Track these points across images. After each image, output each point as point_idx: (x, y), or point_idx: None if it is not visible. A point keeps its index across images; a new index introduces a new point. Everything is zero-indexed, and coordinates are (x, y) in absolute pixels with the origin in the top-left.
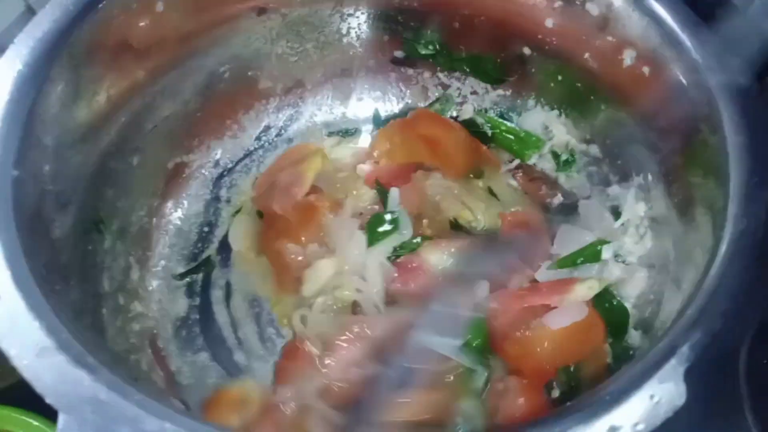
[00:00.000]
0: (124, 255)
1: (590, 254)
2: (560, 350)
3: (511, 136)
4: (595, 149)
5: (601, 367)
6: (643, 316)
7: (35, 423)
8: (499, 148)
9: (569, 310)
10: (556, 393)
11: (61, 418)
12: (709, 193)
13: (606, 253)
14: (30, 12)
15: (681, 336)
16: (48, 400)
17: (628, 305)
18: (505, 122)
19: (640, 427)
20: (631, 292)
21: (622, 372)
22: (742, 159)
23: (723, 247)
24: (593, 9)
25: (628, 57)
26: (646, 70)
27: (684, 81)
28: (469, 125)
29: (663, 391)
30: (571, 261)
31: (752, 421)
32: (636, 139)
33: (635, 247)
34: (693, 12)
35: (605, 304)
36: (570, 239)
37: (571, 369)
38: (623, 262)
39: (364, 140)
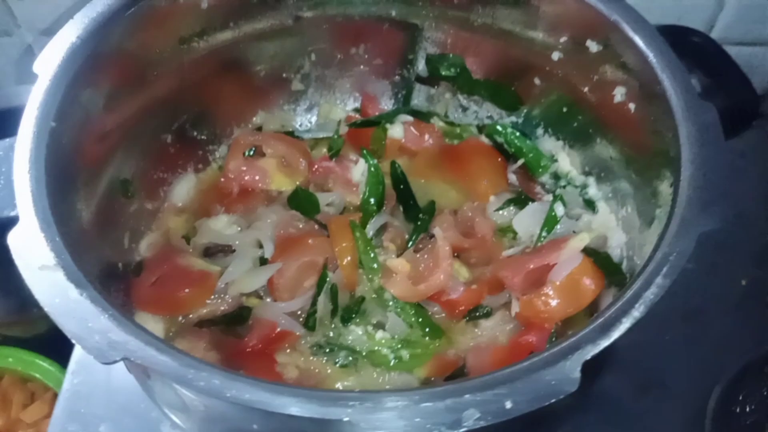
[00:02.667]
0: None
1: (550, 221)
2: (569, 300)
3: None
4: (591, 181)
5: None
6: None
7: (52, 369)
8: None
9: (567, 261)
10: None
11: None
12: None
13: (558, 210)
14: None
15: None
16: (44, 307)
17: None
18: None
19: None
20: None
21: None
22: (689, 201)
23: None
24: (592, 46)
25: (618, 94)
26: (631, 107)
27: (660, 122)
28: (496, 144)
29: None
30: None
31: None
32: (622, 174)
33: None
34: (678, 59)
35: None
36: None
37: None
38: None
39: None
